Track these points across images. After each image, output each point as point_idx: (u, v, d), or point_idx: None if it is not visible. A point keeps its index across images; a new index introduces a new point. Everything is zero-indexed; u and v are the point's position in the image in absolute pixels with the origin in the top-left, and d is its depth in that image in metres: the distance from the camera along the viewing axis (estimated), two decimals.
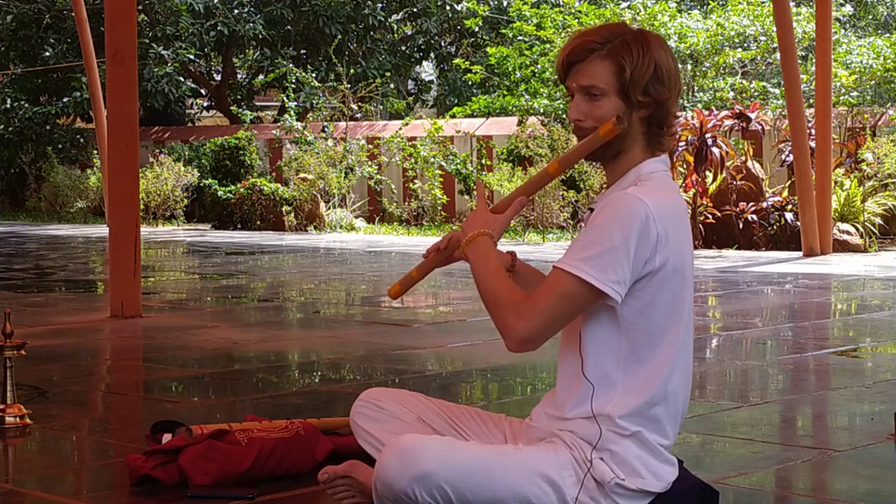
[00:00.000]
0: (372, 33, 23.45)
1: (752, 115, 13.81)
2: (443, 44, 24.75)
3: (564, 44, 2.90)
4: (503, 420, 3.08)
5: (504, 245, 3.11)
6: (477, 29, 22.68)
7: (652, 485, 2.79)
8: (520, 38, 18.69)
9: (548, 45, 17.88)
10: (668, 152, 2.94)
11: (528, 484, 2.74)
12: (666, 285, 2.78)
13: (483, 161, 17.15)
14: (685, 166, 13.51)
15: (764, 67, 18.06)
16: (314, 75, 19.97)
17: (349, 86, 19.09)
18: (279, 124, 19.35)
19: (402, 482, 2.68)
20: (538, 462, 2.77)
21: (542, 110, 16.91)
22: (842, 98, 15.12)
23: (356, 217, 17.85)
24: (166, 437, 3.80)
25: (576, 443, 2.80)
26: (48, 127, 22.28)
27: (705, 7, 21.76)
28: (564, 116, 15.84)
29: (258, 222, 17.51)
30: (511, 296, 2.78)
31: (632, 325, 2.78)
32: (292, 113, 18.74)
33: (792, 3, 15.31)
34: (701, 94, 17.16)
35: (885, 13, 24.34)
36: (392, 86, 23.24)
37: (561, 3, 19.09)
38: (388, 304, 8.37)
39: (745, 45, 17.62)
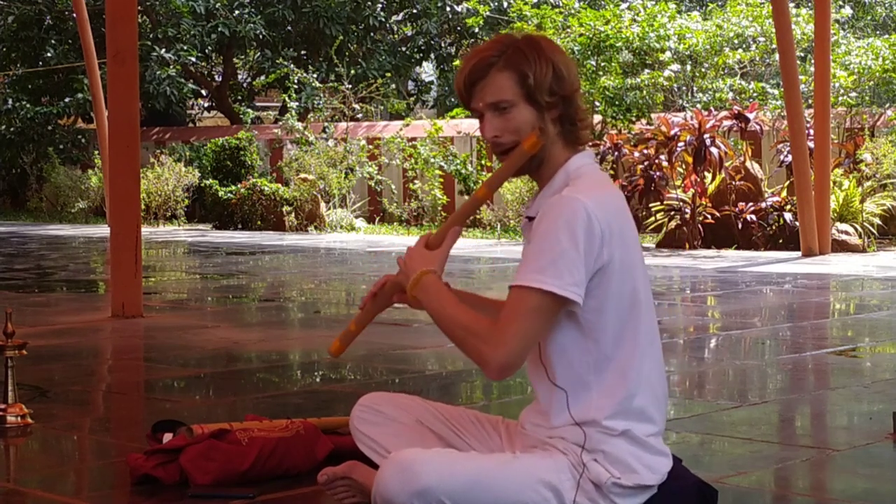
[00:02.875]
0: (372, 34, 23.47)
1: (751, 116, 13.82)
2: (443, 45, 24.76)
3: (459, 68, 2.89)
4: (500, 423, 3.08)
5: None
6: (477, 29, 22.68)
7: (648, 478, 2.80)
8: None
9: None
10: (586, 144, 2.93)
11: (529, 491, 2.74)
12: (617, 278, 2.77)
13: (483, 161, 17.17)
14: (684, 167, 13.53)
15: (763, 68, 18.07)
16: (315, 76, 19.99)
17: (350, 86, 19.12)
18: (280, 124, 19.37)
19: (402, 497, 2.67)
20: (537, 468, 2.78)
21: None
22: (840, 99, 15.12)
23: (356, 217, 17.87)
24: (167, 437, 3.80)
25: (568, 448, 2.81)
26: (49, 127, 22.30)
27: (704, 8, 21.78)
28: None
29: (259, 222, 17.53)
30: (478, 326, 2.75)
31: (593, 325, 2.78)
32: (293, 113, 18.76)
33: (791, 5, 15.32)
34: (700, 94, 17.16)
35: (884, 14, 24.35)
36: (392, 86, 23.25)
37: (561, 4, 19.09)
38: None
39: (745, 46, 17.62)
